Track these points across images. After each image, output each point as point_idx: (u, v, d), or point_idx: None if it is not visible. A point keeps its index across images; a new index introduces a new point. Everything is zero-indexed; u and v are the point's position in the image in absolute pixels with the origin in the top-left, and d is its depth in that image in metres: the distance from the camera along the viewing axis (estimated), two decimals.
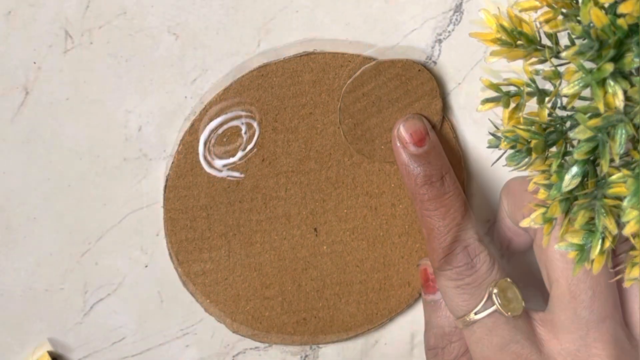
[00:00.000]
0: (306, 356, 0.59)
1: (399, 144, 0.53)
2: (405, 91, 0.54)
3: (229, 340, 0.58)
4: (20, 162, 0.54)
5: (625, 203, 0.41)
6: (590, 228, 0.45)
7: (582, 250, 0.45)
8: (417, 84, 0.54)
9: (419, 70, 0.54)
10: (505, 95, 0.46)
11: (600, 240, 0.44)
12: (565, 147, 0.44)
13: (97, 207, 0.55)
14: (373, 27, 0.54)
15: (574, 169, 0.43)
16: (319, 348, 0.59)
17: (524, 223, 0.46)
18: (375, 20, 0.54)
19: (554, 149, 0.45)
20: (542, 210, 0.46)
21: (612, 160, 0.41)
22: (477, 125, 0.56)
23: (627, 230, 0.41)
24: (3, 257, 0.56)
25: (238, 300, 0.57)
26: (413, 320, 0.59)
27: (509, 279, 0.52)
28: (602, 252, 0.44)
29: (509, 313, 0.50)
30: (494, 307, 0.50)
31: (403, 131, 0.53)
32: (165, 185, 0.55)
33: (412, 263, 0.57)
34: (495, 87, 0.46)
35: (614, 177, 0.42)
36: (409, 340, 0.59)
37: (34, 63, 0.52)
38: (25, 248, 0.55)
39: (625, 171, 0.42)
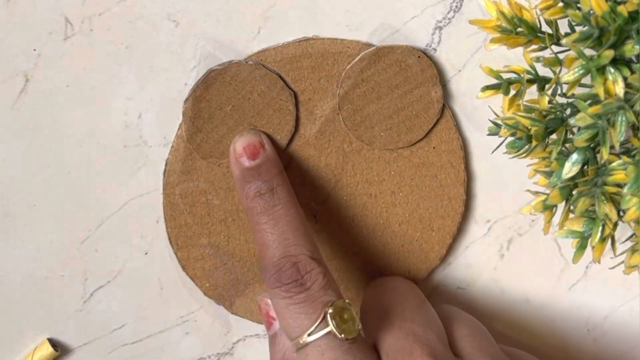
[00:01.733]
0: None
1: (233, 159, 0.53)
2: (405, 78, 0.54)
3: (229, 327, 0.59)
4: (20, 149, 0.54)
5: (625, 190, 0.41)
6: (590, 215, 0.45)
7: (583, 238, 0.45)
8: (417, 71, 0.54)
9: (419, 57, 0.54)
10: (505, 83, 0.46)
11: (600, 228, 0.44)
12: (566, 135, 0.44)
13: (97, 194, 0.55)
14: (373, 13, 0.54)
15: (574, 156, 0.43)
16: None
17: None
18: (375, 6, 0.54)
19: (554, 137, 0.45)
20: (543, 197, 0.46)
21: (612, 147, 0.41)
22: (477, 112, 0.56)
23: (627, 218, 0.41)
24: (3, 244, 0.56)
25: (237, 284, 0.57)
26: None
27: (347, 301, 0.48)
28: (602, 239, 0.44)
29: (343, 335, 0.47)
30: (328, 329, 0.47)
31: (238, 145, 0.53)
32: (165, 170, 0.55)
33: (413, 252, 0.57)
34: (495, 74, 0.46)
35: (614, 164, 0.42)
36: None
37: (34, 50, 0.53)
38: (25, 235, 0.56)
39: (625, 158, 0.42)
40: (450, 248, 0.58)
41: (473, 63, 0.55)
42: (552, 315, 0.60)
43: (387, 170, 0.56)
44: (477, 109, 0.56)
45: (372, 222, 0.57)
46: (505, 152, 0.46)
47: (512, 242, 0.58)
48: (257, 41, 0.54)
